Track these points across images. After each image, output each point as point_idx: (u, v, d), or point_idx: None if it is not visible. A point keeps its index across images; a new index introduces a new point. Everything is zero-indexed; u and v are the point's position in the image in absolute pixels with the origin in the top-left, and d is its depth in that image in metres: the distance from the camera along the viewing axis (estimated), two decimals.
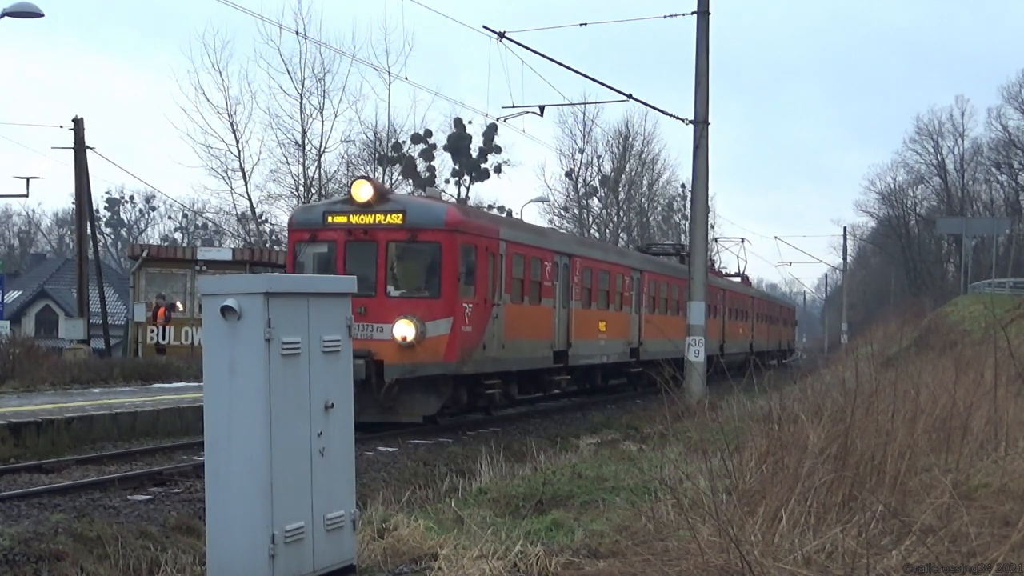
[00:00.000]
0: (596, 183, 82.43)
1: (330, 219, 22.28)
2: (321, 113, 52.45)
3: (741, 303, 50.97)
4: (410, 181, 63.17)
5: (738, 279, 56.93)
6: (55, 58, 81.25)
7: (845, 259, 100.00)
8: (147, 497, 14.43)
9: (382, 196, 22.28)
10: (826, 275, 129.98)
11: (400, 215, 21.63)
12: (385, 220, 21.74)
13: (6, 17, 28.29)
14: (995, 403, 11.27)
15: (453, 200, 56.67)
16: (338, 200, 24.37)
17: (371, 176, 23.11)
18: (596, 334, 30.75)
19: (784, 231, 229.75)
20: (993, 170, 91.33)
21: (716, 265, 54.37)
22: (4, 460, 16.93)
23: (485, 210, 30.23)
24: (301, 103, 51.75)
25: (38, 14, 28.03)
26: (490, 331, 23.28)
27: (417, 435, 22.12)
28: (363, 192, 21.81)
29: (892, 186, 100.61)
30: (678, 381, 34.87)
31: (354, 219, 21.90)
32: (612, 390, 36.49)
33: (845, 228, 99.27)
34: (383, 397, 20.82)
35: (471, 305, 22.21)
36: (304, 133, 51.66)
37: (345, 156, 56.73)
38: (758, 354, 46.65)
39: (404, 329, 20.59)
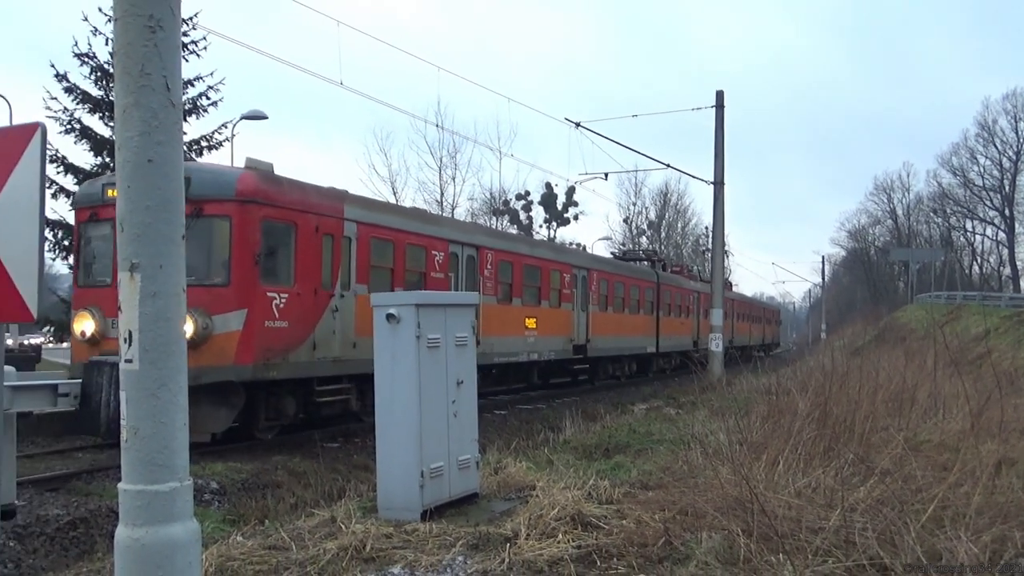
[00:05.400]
0: (645, 226, 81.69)
1: (110, 193, 13.17)
2: (453, 180, 52.78)
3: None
4: (515, 226, 63.39)
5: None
6: (272, 147, 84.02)
7: (823, 278, 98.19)
8: (337, 445, 14.65)
9: None
10: (810, 290, 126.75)
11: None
12: None
13: (243, 120, 29.06)
14: (935, 382, 10.95)
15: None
16: None
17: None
18: (521, 331, 21.27)
19: (778, 258, 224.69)
20: (931, 215, 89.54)
21: (695, 270, 46.36)
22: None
23: (329, 186, 15.69)
24: (440, 173, 52.14)
25: (264, 117, 28.79)
26: (326, 326, 14.37)
27: (521, 402, 22.11)
28: None
29: (857, 226, 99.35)
30: (637, 373, 31.58)
31: None
32: (562, 386, 26.29)
33: (823, 256, 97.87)
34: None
35: (284, 295, 13.42)
36: (442, 194, 52.01)
37: (471, 209, 57.17)
38: (738, 348, 41.05)
39: (191, 326, 12.10)
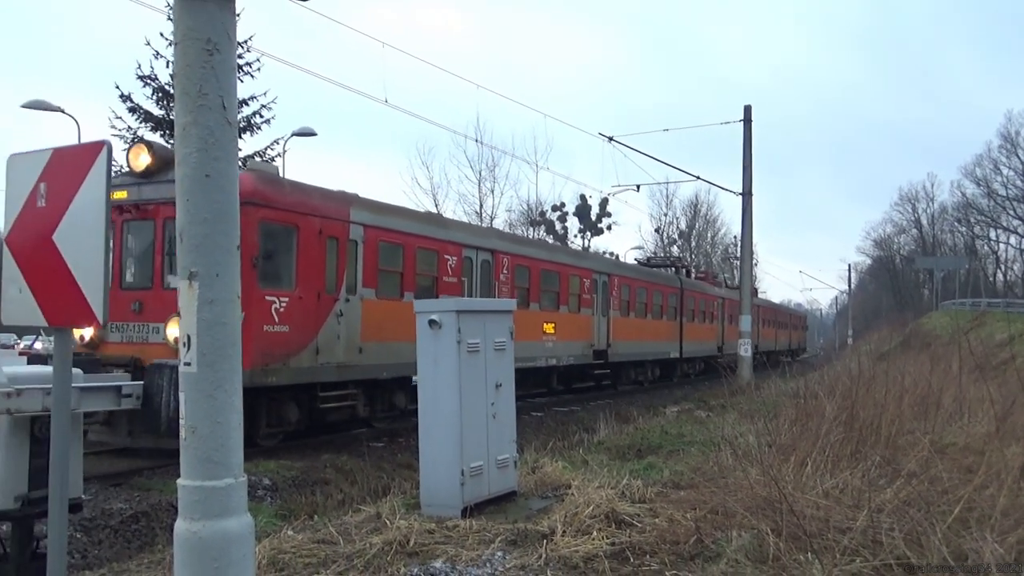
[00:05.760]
0: (676, 236, 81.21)
1: (110, 195, 10.17)
2: (492, 192, 53.02)
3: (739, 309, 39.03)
4: (551, 236, 63.36)
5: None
6: (321, 161, 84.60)
7: (850, 285, 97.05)
8: (382, 444, 14.71)
9: (164, 163, 12.20)
10: (836, 297, 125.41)
11: None
12: (164, 193, 11.94)
13: (294, 137, 29.38)
14: (960, 386, 10.72)
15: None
16: (123, 172, 13.46)
17: (152, 142, 12.69)
18: (539, 335, 20.14)
19: (805, 266, 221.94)
20: (955, 224, 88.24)
21: (720, 278, 44.80)
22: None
23: (337, 190, 14.55)
24: (479, 186, 52.36)
25: (313, 134, 29.07)
26: (330, 331, 13.44)
27: (557, 404, 22.00)
28: (141, 159, 12.23)
29: (883, 235, 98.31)
30: (661, 378, 30.09)
31: (133, 193, 12.41)
32: (585, 391, 25.32)
33: (849, 264, 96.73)
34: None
35: (285, 299, 12.52)
36: (481, 205, 52.24)
37: (508, 220, 57.33)
38: (763, 353, 39.42)
39: (176, 330, 8.34)
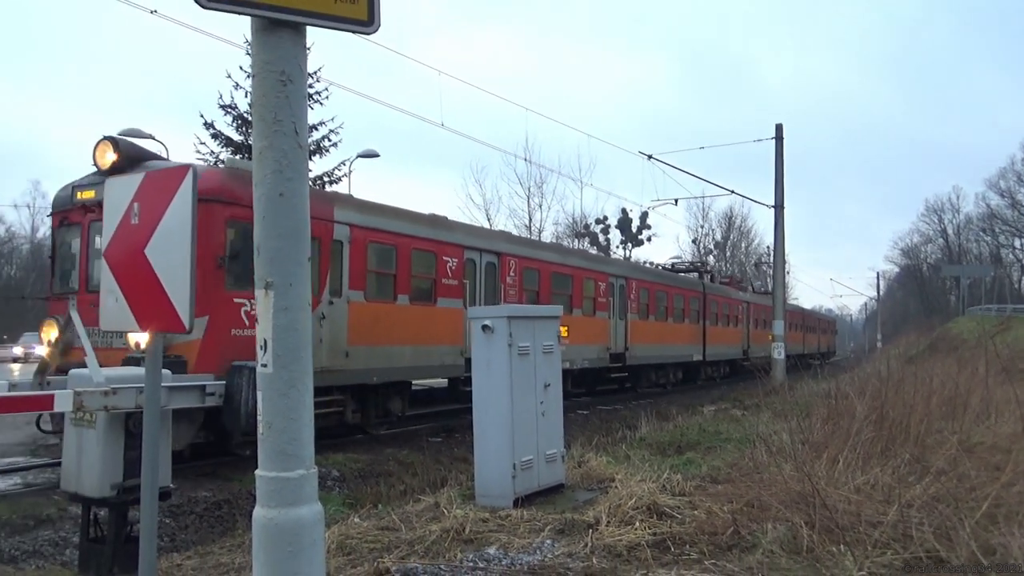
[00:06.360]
0: (712, 246, 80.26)
1: (78, 195, 11.40)
2: (540, 207, 53.02)
3: (766, 314, 35.15)
4: (595, 247, 63.03)
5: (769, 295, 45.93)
6: (383, 180, 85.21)
7: (878, 292, 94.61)
8: (440, 439, 14.76)
9: (130, 161, 10.58)
10: (866, 303, 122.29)
11: None
12: None
13: (359, 158, 29.72)
14: (987, 388, 10.39)
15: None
16: (92, 172, 11.57)
17: (118, 138, 11.00)
18: None
19: (836, 274, 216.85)
20: (981, 234, 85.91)
21: (747, 283, 42.80)
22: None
23: (332, 191, 15.36)
24: (528, 201, 52.38)
25: (376, 155, 29.37)
26: (311, 335, 9.70)
27: (602, 403, 21.85)
28: (107, 157, 10.63)
29: (910, 244, 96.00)
30: (685, 381, 28.16)
31: (100, 192, 6.92)
32: (607, 393, 23.96)
33: (878, 272, 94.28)
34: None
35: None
36: (530, 219, 52.27)
37: (555, 233, 57.26)
38: (792, 356, 35.42)
39: (135, 334, 6.53)
